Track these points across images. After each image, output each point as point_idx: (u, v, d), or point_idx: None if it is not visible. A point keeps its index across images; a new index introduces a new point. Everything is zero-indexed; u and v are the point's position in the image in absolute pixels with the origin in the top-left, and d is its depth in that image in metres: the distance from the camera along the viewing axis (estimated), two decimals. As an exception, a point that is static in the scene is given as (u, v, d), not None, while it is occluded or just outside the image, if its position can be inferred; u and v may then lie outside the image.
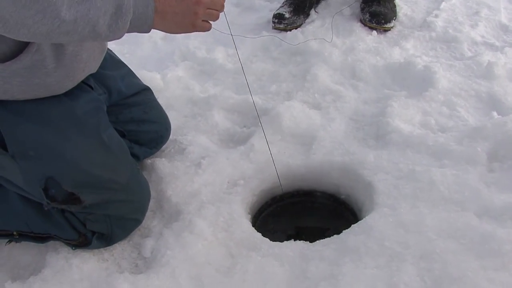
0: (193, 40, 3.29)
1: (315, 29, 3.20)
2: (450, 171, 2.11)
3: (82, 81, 1.95)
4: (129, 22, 1.59)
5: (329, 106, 2.60)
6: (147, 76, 2.78)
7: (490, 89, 2.63)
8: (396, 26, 3.26)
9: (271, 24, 3.35)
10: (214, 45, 3.20)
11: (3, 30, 1.46)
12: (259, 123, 2.43)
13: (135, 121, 2.25)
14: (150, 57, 3.26)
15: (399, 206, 1.99)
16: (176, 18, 1.71)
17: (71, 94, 1.90)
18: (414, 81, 2.73)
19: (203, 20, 1.75)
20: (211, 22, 1.79)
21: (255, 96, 2.65)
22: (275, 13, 3.34)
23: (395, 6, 3.35)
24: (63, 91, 1.86)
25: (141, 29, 1.66)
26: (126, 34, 1.63)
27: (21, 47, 1.70)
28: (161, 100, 2.46)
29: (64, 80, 1.83)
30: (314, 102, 2.65)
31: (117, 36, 1.60)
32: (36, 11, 1.42)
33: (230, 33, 2.04)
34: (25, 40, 1.54)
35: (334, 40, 3.07)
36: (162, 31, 1.74)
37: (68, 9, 1.46)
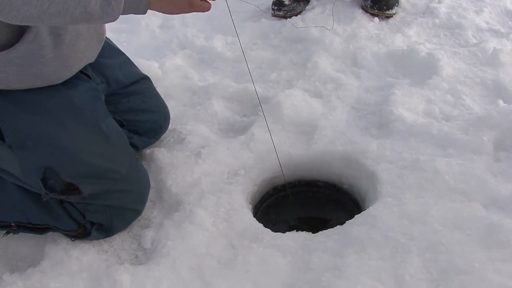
0: (191, 28, 3.25)
1: (316, 16, 3.16)
2: (456, 160, 2.07)
3: (80, 71, 1.92)
4: (123, 3, 1.52)
5: (331, 94, 2.56)
6: (145, 64, 2.73)
7: (495, 77, 2.59)
8: (399, 13, 3.22)
9: (271, 11, 3.30)
10: (213, 33, 3.16)
11: None
12: (259, 112, 2.39)
13: (133, 110, 2.21)
14: (148, 45, 3.22)
15: (404, 196, 1.95)
16: None
17: (69, 83, 1.87)
18: (418, 69, 2.69)
19: (201, 0, 1.66)
20: (210, 1, 1.68)
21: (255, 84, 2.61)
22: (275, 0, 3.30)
23: (397, -8, 3.30)
24: (61, 81, 1.83)
25: (137, 10, 1.59)
26: (123, 17, 1.56)
27: (17, 36, 1.66)
28: (160, 89, 2.42)
29: (61, 70, 1.79)
30: (315, 91, 2.61)
31: (111, 17, 1.53)
32: None
33: (231, 19, 1.97)
34: (18, 23, 1.49)
35: (335, 27, 3.02)
36: (158, 11, 1.65)
37: None
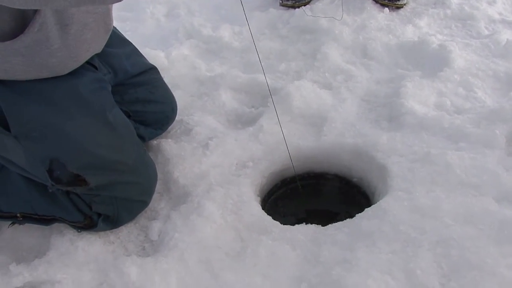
0: (197, 17, 3.22)
1: (325, 6, 3.12)
2: (467, 154, 2.04)
3: (87, 61, 1.88)
4: None
5: (340, 86, 2.53)
6: (151, 54, 2.70)
7: (508, 69, 2.56)
8: (409, 3, 3.18)
9: (279, 1, 3.27)
10: (220, 22, 3.13)
11: None
12: (268, 104, 2.37)
13: (140, 101, 2.18)
14: (154, 34, 3.19)
15: (415, 190, 1.93)
16: None
17: (74, 73, 1.83)
18: (429, 61, 2.65)
19: None
20: None
21: (262, 75, 2.58)
22: (283, -11, 3.27)
23: (408, -18, 3.26)
24: (67, 71, 1.80)
25: None
26: (127, 4, 1.52)
27: (21, 24, 1.63)
28: (167, 79, 2.39)
29: (67, 61, 1.76)
30: (325, 82, 2.58)
31: None
32: None
33: (242, 8, 1.92)
34: (20, 7, 1.45)
35: (345, 17, 2.99)
36: None
37: None
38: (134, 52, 2.23)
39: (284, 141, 2.09)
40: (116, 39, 2.13)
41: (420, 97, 2.39)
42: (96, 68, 1.95)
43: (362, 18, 3.00)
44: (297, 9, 3.13)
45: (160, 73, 2.32)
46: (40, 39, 1.65)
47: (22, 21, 1.62)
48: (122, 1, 1.49)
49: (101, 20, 1.86)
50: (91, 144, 1.79)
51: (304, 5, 3.18)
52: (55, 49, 1.70)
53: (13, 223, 1.97)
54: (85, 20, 1.76)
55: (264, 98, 2.48)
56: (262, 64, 2.60)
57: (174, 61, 2.77)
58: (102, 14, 1.86)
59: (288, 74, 2.67)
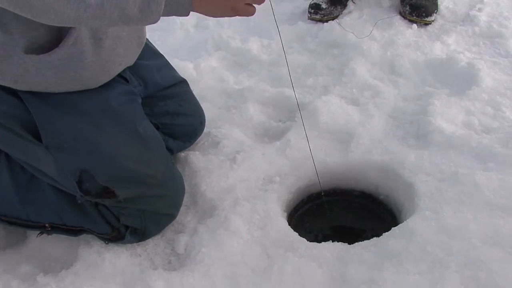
0: (226, 29, 3.23)
1: (353, 21, 3.12)
2: (496, 175, 2.02)
3: (118, 73, 1.90)
4: (163, 5, 1.48)
5: (368, 102, 2.52)
6: (180, 65, 2.72)
7: (537, 90, 2.53)
8: (437, 20, 3.15)
9: (307, 14, 3.27)
10: (248, 34, 3.13)
11: (31, 15, 1.42)
12: (295, 118, 2.38)
13: (169, 114, 2.20)
14: (182, 45, 3.21)
15: (442, 210, 1.92)
16: (216, 1, 1.57)
17: (106, 85, 1.86)
18: (457, 79, 2.63)
19: (246, 3, 1.58)
20: (255, 5, 1.61)
21: (290, 89, 2.58)
22: (311, 3, 3.26)
23: (436, -2, 3.25)
24: (99, 84, 1.83)
25: (179, 12, 1.55)
26: (163, 18, 1.54)
27: (56, 37, 1.66)
28: (195, 91, 2.40)
29: (100, 74, 1.79)
30: (352, 98, 2.58)
31: (151, 19, 1.50)
32: None
33: (274, 20, 1.91)
34: (56, 24, 1.49)
35: (373, 32, 2.98)
36: (201, 13, 1.60)
37: None
38: (165, 65, 2.25)
39: (310, 156, 2.09)
40: (148, 52, 2.15)
41: (448, 115, 2.37)
42: (127, 80, 1.98)
43: (390, 34, 2.99)
44: (325, 23, 3.13)
45: (189, 85, 2.34)
46: (74, 53, 1.68)
47: (58, 34, 1.66)
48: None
49: (135, 34, 1.89)
50: (120, 156, 1.81)
51: (333, 19, 3.17)
52: (89, 62, 1.73)
53: (41, 233, 1.99)
54: (119, 34, 1.79)
55: (292, 112, 2.48)
56: (291, 78, 2.63)
57: (202, 73, 2.78)
58: (136, 28, 1.89)
59: (316, 88, 2.67)
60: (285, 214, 2.07)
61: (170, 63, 2.33)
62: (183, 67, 2.72)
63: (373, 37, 2.96)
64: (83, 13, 1.41)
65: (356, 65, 2.73)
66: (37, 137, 1.80)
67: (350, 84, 2.65)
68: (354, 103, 2.54)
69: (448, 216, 1.89)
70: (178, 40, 3.25)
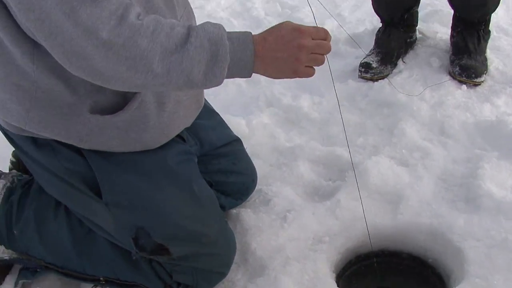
0: (277, 85, 3.29)
1: (403, 81, 3.15)
2: (548, 243, 2.03)
3: None
4: (226, 69, 1.54)
5: (417, 163, 2.55)
6: (233, 121, 2.79)
7: None
8: (487, 81, 3.16)
9: (358, 73, 3.31)
10: (300, 91, 3.19)
11: (100, 82, 1.52)
12: (345, 178, 2.42)
13: (223, 172, 2.26)
14: (234, 100, 3.28)
15: (492, 278, 1.92)
16: (277, 63, 1.60)
17: (164, 145, 1.95)
18: (507, 141, 2.63)
19: (306, 66, 1.63)
20: (315, 67, 1.66)
21: (341, 148, 2.65)
22: (362, 61, 3.30)
23: (486, 59, 3.25)
24: (157, 145, 1.92)
25: (241, 74, 1.61)
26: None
27: (121, 102, 1.75)
28: (247, 148, 2.47)
29: (159, 136, 1.88)
30: (402, 159, 2.60)
31: (214, 83, 1.57)
32: (128, 67, 1.45)
33: (331, 79, 1.97)
34: (124, 90, 1.59)
35: (422, 93, 3.01)
36: (262, 75, 1.65)
37: (161, 61, 1.47)
38: (220, 123, 2.33)
39: (360, 218, 2.12)
40: (205, 111, 2.21)
41: (498, 180, 2.38)
42: (184, 139, 2.06)
43: (439, 95, 3.01)
44: (375, 82, 3.17)
45: (242, 141, 2.41)
46: (138, 116, 1.77)
47: (123, 97, 1.75)
48: None
49: (194, 97, 1.98)
50: (176, 215, 1.88)
51: (383, 78, 3.22)
52: (150, 125, 1.81)
53: (95, 286, 2.05)
54: (180, 98, 1.88)
55: (342, 172, 2.52)
56: (340, 136, 2.70)
57: (254, 129, 2.85)
58: (195, 92, 1.98)
59: (366, 148, 2.71)
60: (334, 275, 2.10)
61: (223, 118, 2.41)
62: (236, 124, 2.79)
63: (423, 97, 2.99)
64: (150, 81, 1.49)
65: (406, 125, 2.76)
66: (98, 194, 1.88)
67: (400, 144, 2.67)
68: (403, 164, 2.56)
69: (498, 285, 1.89)
70: (230, 95, 3.33)
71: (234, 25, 4.09)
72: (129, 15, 1.44)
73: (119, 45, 1.42)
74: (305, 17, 3.92)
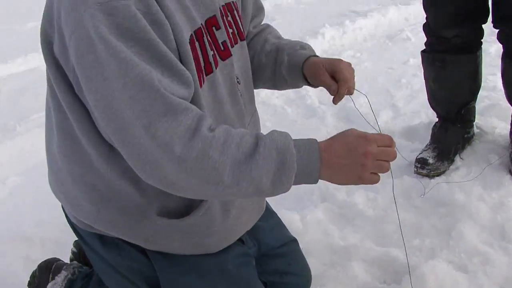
0: (331, 180, 3.28)
1: (460, 178, 3.11)
2: None
3: None
4: (293, 177, 1.53)
5: (477, 270, 2.47)
6: (287, 216, 2.78)
7: None
8: (545, 179, 3.09)
9: (413, 168, 3.28)
10: (354, 187, 3.14)
11: (171, 191, 1.55)
12: (401, 282, 2.37)
13: (278, 272, 2.23)
14: (289, 193, 3.24)
15: None
16: (342, 170, 1.57)
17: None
18: None
19: (371, 173, 1.58)
20: (380, 174, 1.61)
21: (396, 249, 2.60)
22: (418, 157, 3.28)
23: (548, 157, 3.19)
24: (218, 250, 1.92)
25: (307, 181, 1.59)
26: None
27: (188, 206, 1.78)
28: (301, 245, 2.43)
29: (221, 241, 1.90)
30: (460, 263, 2.53)
31: (281, 190, 1.56)
32: (200, 179, 1.47)
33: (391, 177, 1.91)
34: (194, 198, 1.61)
35: (482, 193, 2.95)
36: (327, 181, 1.62)
37: (231, 173, 1.48)
38: (278, 224, 2.33)
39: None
40: (264, 213, 2.21)
41: None
42: (243, 242, 2.06)
43: (499, 195, 2.94)
44: (432, 179, 3.14)
45: (297, 238, 2.39)
46: (203, 221, 1.79)
47: (190, 201, 1.77)
48: None
49: (257, 203, 2.01)
50: (233, 318, 1.87)
51: (439, 175, 3.18)
52: (214, 231, 1.83)
53: None
54: (244, 205, 1.91)
55: (397, 275, 2.47)
56: (394, 236, 2.65)
57: (308, 225, 2.83)
58: (259, 198, 2.00)
59: (422, 250, 2.65)
60: None
61: (277, 211, 2.39)
62: (290, 220, 2.78)
63: (482, 197, 2.93)
64: (221, 191, 1.51)
65: (464, 228, 2.70)
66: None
67: (458, 248, 2.60)
68: (462, 270, 2.49)
69: None
70: (284, 190, 3.33)
71: (288, 113, 4.15)
72: (202, 128, 1.47)
73: (192, 158, 1.45)
74: (360, 107, 3.93)
